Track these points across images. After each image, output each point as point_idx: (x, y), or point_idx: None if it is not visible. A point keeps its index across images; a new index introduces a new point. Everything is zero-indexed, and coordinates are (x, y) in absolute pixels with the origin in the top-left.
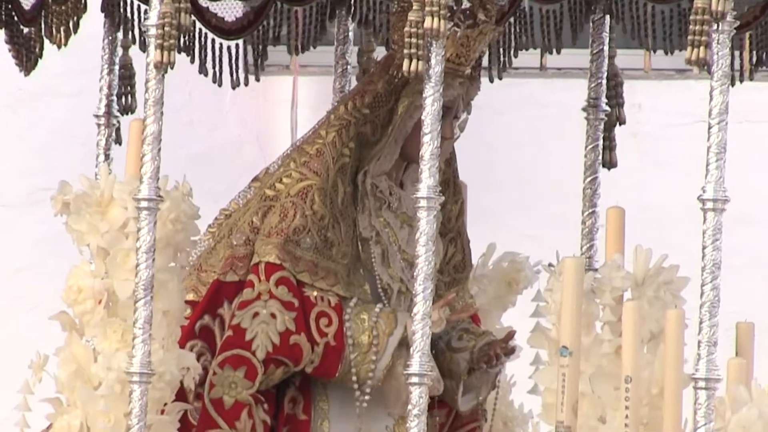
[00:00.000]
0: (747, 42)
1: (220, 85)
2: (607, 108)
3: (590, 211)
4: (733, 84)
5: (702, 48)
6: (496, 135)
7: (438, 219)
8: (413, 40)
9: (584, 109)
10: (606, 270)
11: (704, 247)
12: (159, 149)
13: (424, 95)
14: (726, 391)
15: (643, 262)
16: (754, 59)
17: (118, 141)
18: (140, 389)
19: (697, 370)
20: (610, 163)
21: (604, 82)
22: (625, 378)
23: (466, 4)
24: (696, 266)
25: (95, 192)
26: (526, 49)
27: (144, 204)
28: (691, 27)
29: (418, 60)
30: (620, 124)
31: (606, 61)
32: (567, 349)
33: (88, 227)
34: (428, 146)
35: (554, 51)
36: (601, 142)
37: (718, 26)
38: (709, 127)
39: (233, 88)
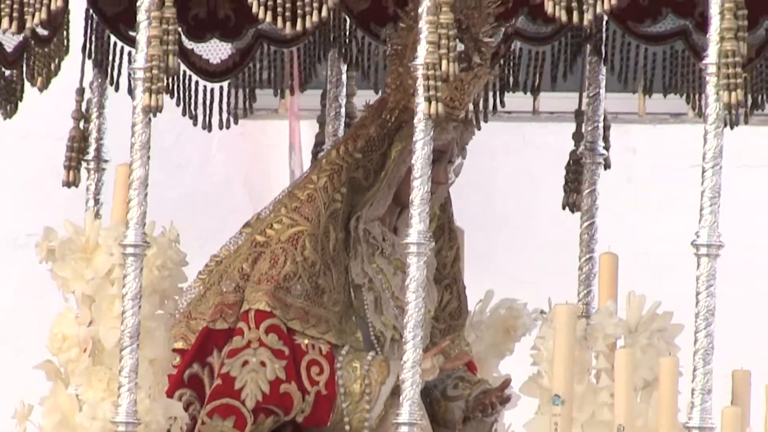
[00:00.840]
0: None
1: (207, 129)
2: (605, 152)
3: (587, 256)
4: (732, 128)
5: (738, 90)
6: (490, 179)
7: (432, 265)
8: (431, 82)
9: (581, 153)
10: (599, 317)
11: (698, 293)
12: (146, 194)
13: (414, 139)
14: None
15: (636, 309)
16: (750, 102)
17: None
18: None
19: (690, 418)
20: (574, 206)
21: (602, 124)
22: (618, 427)
23: (460, 47)
24: (693, 312)
25: (80, 238)
26: (515, 92)
27: (130, 250)
28: (723, 70)
29: (437, 102)
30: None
31: (602, 104)
32: (559, 397)
33: (73, 274)
34: (418, 191)
35: (539, 93)
36: (597, 186)
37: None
38: (703, 171)
39: (219, 128)
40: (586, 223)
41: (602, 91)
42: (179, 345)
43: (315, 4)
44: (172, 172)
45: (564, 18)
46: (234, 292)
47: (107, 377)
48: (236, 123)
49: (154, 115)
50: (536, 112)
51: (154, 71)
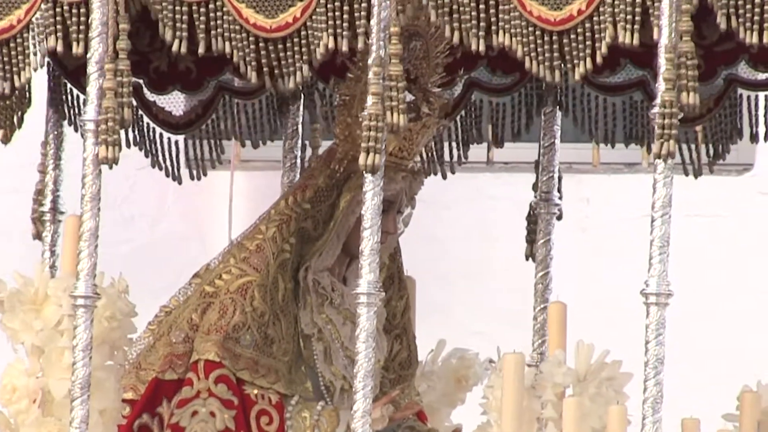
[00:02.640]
0: (700, 135)
1: (178, 181)
2: (560, 202)
3: (542, 306)
4: (695, 176)
5: (671, 141)
6: (443, 229)
7: (381, 315)
8: (372, 133)
9: (536, 204)
10: (547, 366)
11: (647, 342)
12: (96, 245)
13: (364, 189)
14: None
15: (585, 358)
16: (710, 152)
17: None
18: None
19: None
20: (531, 255)
21: (557, 175)
22: None
23: (409, 98)
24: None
25: (29, 289)
26: (477, 143)
27: (81, 301)
28: (658, 120)
29: (375, 153)
30: (558, 219)
31: (557, 154)
32: None
33: (23, 325)
34: (368, 241)
35: (503, 145)
36: (552, 236)
37: (652, 119)
38: (652, 221)
39: (191, 179)
40: (540, 273)
41: (557, 141)
42: (129, 395)
43: (298, 64)
44: (127, 225)
45: (548, 77)
46: (183, 342)
47: (57, 428)
48: (205, 175)
49: (110, 167)
50: (490, 163)
51: (110, 123)
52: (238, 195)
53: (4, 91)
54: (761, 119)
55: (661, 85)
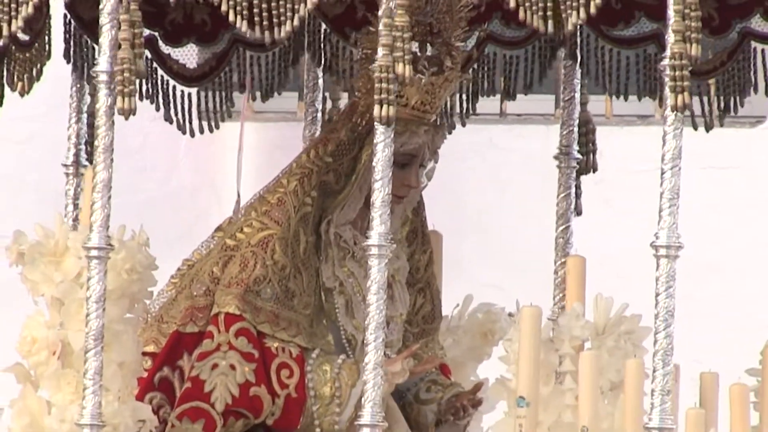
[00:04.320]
0: (713, 88)
1: (190, 134)
2: (579, 155)
3: (562, 260)
4: (707, 130)
5: (685, 93)
6: (456, 182)
7: (404, 269)
8: (384, 85)
9: (556, 157)
10: (565, 319)
11: (657, 295)
12: (109, 197)
13: (375, 141)
14: None
15: (604, 312)
16: (722, 105)
17: None
18: None
19: (650, 419)
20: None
21: (576, 129)
22: (582, 428)
23: (431, 51)
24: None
25: (50, 241)
26: (489, 96)
27: (94, 253)
28: (669, 73)
29: (389, 105)
30: (593, 172)
31: (578, 108)
32: (524, 399)
33: (43, 277)
34: (379, 193)
35: (515, 97)
36: (573, 190)
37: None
38: (662, 173)
39: (201, 132)
40: (561, 227)
41: (577, 95)
42: (150, 348)
43: (289, 13)
44: (139, 176)
45: (541, 27)
46: (204, 295)
47: (75, 380)
48: (217, 127)
49: (126, 118)
50: (503, 115)
51: (126, 74)
52: (249, 147)
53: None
54: None
55: (670, 37)
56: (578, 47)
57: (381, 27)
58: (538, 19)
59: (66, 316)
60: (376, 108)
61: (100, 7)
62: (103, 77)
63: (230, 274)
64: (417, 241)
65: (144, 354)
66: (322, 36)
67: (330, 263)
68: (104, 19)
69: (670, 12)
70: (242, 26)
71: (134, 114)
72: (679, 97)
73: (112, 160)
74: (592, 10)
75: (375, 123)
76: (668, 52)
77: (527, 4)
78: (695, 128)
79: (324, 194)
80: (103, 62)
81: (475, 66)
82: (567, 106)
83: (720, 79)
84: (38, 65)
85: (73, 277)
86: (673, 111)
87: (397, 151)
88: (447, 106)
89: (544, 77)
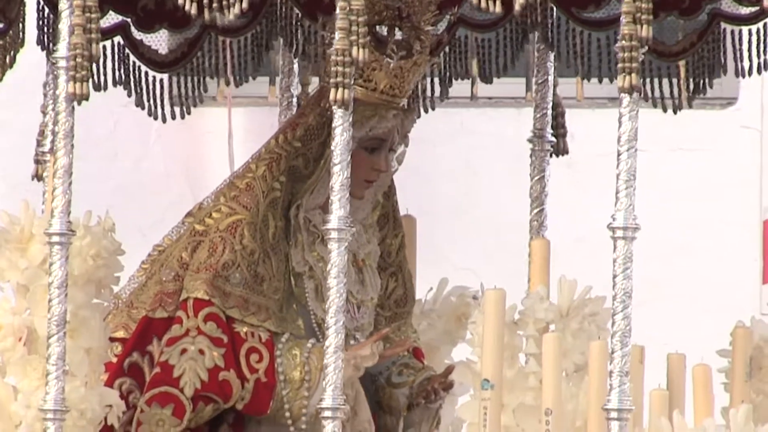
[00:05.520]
0: (683, 70)
1: (162, 120)
2: (553, 139)
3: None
4: (675, 112)
5: (633, 75)
6: (427, 165)
7: (375, 253)
8: (339, 68)
9: (529, 140)
10: (529, 302)
11: (615, 276)
12: (70, 183)
13: (333, 124)
14: (648, 423)
15: (568, 294)
16: (692, 87)
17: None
18: (55, 426)
19: (609, 400)
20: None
21: (550, 111)
22: (545, 410)
23: (399, 35)
24: (634, 295)
25: (15, 228)
26: (462, 79)
27: (55, 239)
28: (620, 54)
29: (344, 88)
30: (564, 155)
31: (551, 90)
32: (489, 381)
33: (8, 263)
34: (338, 176)
35: (491, 81)
36: (547, 173)
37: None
38: (618, 155)
39: (173, 118)
40: (535, 210)
41: (550, 78)
42: (120, 334)
43: None
44: (110, 163)
45: (490, 8)
46: (173, 281)
47: (41, 366)
48: (189, 113)
49: (79, 103)
50: (474, 98)
51: (78, 59)
52: (222, 132)
53: None
54: (745, 54)
55: (623, 18)
56: (549, 30)
57: (338, 10)
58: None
59: (32, 303)
60: (332, 91)
61: None
62: (62, 63)
63: (199, 260)
64: (388, 226)
65: (114, 339)
66: (294, 21)
67: (299, 248)
68: (63, 5)
69: None
70: (192, 10)
71: (87, 99)
72: (627, 78)
73: (72, 146)
74: None
75: (333, 107)
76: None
77: None
78: (665, 110)
79: (293, 179)
80: (62, 48)
81: (447, 49)
82: (540, 89)
83: (690, 60)
84: (12, 53)
85: (38, 263)
86: (621, 93)
87: (366, 135)
88: (418, 89)
89: (517, 60)
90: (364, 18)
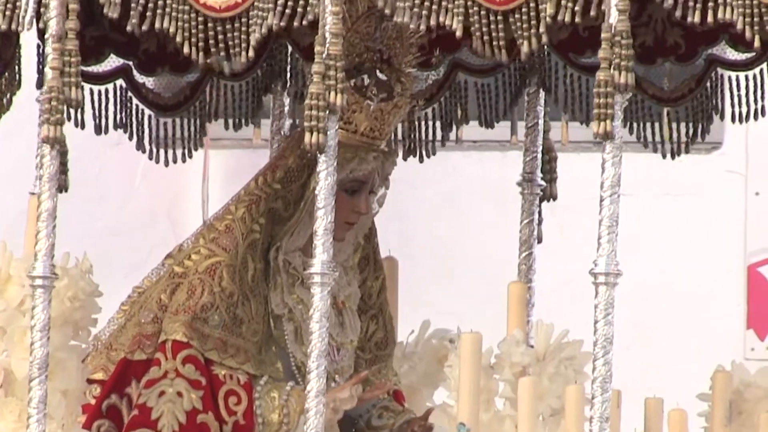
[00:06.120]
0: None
1: (165, 164)
2: (543, 183)
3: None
4: (673, 157)
5: (608, 121)
6: (411, 207)
7: (356, 295)
8: (314, 112)
9: (519, 184)
10: (505, 345)
11: (596, 322)
12: (54, 226)
13: (318, 169)
14: None
15: (545, 338)
16: (690, 132)
17: None
18: None
19: None
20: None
21: (540, 155)
22: None
23: (380, 77)
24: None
25: None
26: (465, 124)
27: (38, 282)
28: (595, 100)
29: (318, 133)
30: (553, 200)
31: (541, 134)
32: (464, 425)
33: None
34: (322, 221)
35: (493, 126)
36: (536, 216)
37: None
38: (601, 200)
39: (174, 162)
40: (524, 254)
41: (541, 121)
42: (99, 376)
43: (244, 44)
44: (95, 204)
45: (497, 56)
46: (152, 322)
47: (18, 408)
48: (190, 157)
49: (52, 147)
50: (459, 141)
51: (53, 102)
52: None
53: None
54: (743, 99)
55: (601, 64)
56: (546, 75)
57: (315, 54)
58: (489, 48)
59: (9, 344)
60: (306, 135)
61: (46, 36)
62: (45, 105)
63: (178, 302)
64: (369, 268)
65: (93, 381)
66: (295, 65)
67: (279, 290)
68: (48, 48)
69: (602, 38)
70: (199, 59)
71: (61, 144)
72: (602, 124)
73: (56, 189)
74: (544, 39)
75: (308, 151)
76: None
77: (478, 34)
78: (672, 157)
79: (273, 221)
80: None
81: (447, 94)
82: (531, 132)
83: (689, 105)
84: (8, 95)
85: (15, 304)
86: (596, 138)
87: (347, 177)
88: (418, 134)
89: (516, 105)
90: (342, 63)
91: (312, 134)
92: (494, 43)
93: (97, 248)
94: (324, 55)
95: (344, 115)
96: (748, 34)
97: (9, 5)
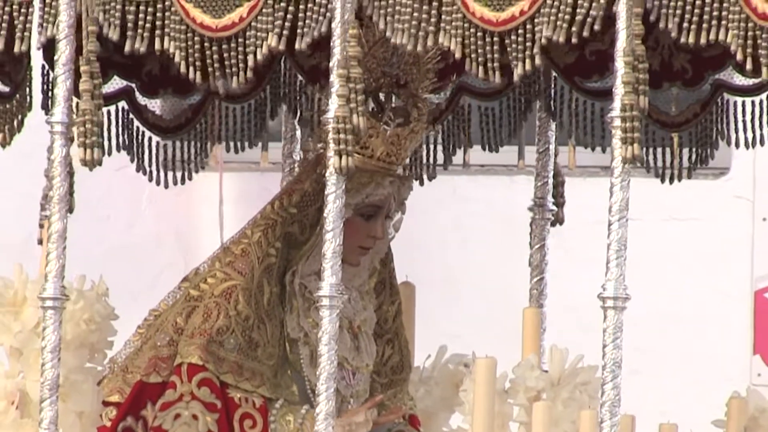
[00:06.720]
0: (676, 139)
1: (164, 185)
2: (554, 207)
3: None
4: (671, 182)
5: (635, 145)
6: (418, 232)
7: (372, 320)
8: (341, 136)
9: (530, 209)
10: (520, 370)
11: (604, 346)
12: (64, 247)
13: (326, 191)
14: None
15: (559, 363)
16: (694, 157)
17: None
18: None
19: None
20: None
21: (551, 180)
22: None
23: (397, 102)
24: (627, 365)
25: (9, 291)
26: (470, 148)
27: (49, 303)
28: (619, 124)
29: (347, 156)
30: (560, 224)
31: (552, 159)
32: None
33: (2, 327)
34: (330, 243)
35: (497, 149)
36: (548, 241)
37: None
38: (609, 224)
39: (174, 184)
40: (536, 278)
41: (552, 146)
42: (115, 398)
43: (242, 65)
44: (102, 226)
45: (491, 78)
46: (168, 345)
47: (34, 430)
48: (190, 179)
49: (91, 169)
50: (466, 165)
51: (88, 125)
52: (213, 197)
53: None
54: (748, 125)
55: (619, 89)
56: (551, 99)
57: (335, 78)
58: (484, 70)
59: (25, 366)
60: (335, 159)
61: (55, 57)
62: (58, 128)
63: (193, 325)
64: (385, 292)
65: (109, 404)
66: (298, 87)
67: (295, 314)
68: (59, 70)
69: (620, 64)
70: (197, 78)
71: (100, 165)
72: (628, 148)
73: (67, 210)
74: (537, 62)
75: (327, 173)
76: (618, 104)
77: (473, 56)
78: (662, 180)
79: (289, 245)
80: (57, 113)
81: (450, 117)
82: (542, 158)
83: (693, 131)
84: (19, 116)
85: (31, 327)
86: (623, 163)
87: (363, 202)
88: (419, 157)
89: (520, 129)
90: (362, 86)
91: (341, 158)
92: (488, 65)
93: (105, 270)
94: (346, 78)
95: (361, 140)
96: (739, 56)
97: (20, 26)
